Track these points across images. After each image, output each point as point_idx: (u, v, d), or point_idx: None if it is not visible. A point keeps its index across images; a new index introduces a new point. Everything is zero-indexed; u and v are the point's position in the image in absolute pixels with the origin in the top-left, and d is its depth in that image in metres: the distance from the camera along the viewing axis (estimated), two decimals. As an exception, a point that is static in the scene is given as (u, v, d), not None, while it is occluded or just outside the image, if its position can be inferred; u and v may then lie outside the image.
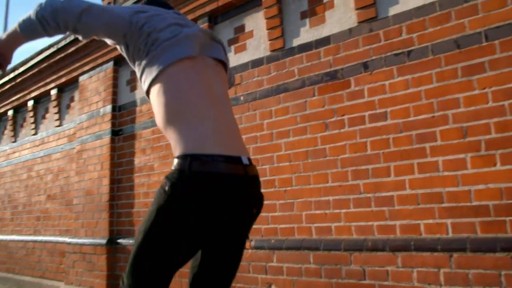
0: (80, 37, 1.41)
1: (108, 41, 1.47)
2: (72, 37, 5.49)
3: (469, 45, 2.74)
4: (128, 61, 1.48)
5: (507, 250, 2.46)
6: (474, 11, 2.74)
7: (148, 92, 1.42)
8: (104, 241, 4.79)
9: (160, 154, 4.53)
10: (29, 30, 1.35)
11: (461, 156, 2.69)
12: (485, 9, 2.70)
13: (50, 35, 1.37)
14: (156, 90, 1.37)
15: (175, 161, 1.30)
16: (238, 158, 1.34)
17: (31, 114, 6.76)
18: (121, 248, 4.71)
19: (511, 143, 2.54)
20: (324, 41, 3.42)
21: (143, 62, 1.38)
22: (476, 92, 2.68)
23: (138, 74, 1.44)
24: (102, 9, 1.36)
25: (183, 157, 1.28)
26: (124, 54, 1.47)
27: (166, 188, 1.25)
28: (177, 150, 1.32)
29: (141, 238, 1.27)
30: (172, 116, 1.33)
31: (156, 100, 1.37)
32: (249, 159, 1.41)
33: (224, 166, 1.28)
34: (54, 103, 6.27)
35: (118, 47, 1.49)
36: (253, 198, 1.40)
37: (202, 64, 1.43)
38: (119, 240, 4.74)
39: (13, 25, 1.39)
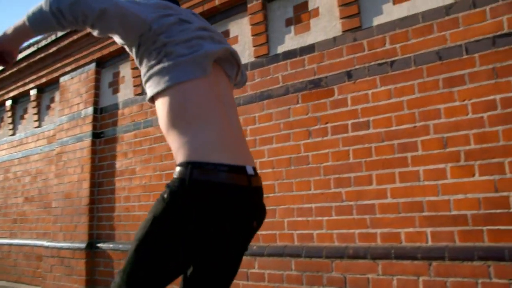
0: (94, 33, 1.32)
1: (117, 39, 1.38)
2: (53, 37, 5.40)
3: (450, 57, 2.79)
4: (134, 58, 1.41)
5: (484, 259, 2.51)
6: (455, 24, 2.80)
7: (152, 99, 1.37)
8: (83, 245, 4.71)
9: (142, 158, 4.49)
10: (40, 23, 1.22)
11: (441, 166, 2.74)
12: (466, 23, 2.76)
13: (64, 29, 1.26)
14: (161, 98, 1.32)
15: (177, 169, 1.25)
16: (242, 167, 1.29)
17: (9, 114, 6.61)
18: (100, 253, 4.64)
19: (489, 154, 2.60)
20: (308, 49, 3.44)
21: (152, 70, 1.32)
22: (457, 103, 2.73)
23: (143, 78, 1.38)
24: (125, 8, 1.26)
25: (184, 165, 1.23)
26: (133, 53, 1.39)
27: (165, 195, 1.20)
28: (179, 156, 1.27)
29: (135, 245, 1.22)
30: (177, 120, 1.29)
31: (161, 105, 1.32)
32: (254, 169, 1.36)
33: (226, 176, 1.23)
34: (34, 103, 6.15)
35: (127, 47, 1.41)
36: (255, 210, 1.35)
37: (214, 75, 1.39)
38: (98, 245, 4.67)
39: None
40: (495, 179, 2.57)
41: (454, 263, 2.60)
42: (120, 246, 4.43)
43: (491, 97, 2.62)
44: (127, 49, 1.43)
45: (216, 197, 1.21)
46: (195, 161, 1.22)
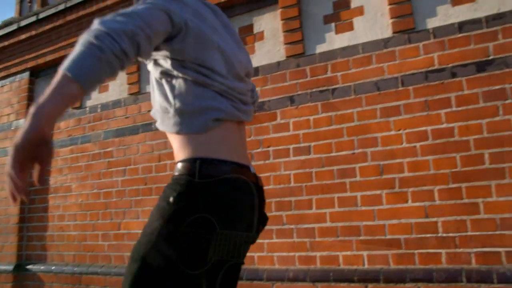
0: (141, 58, 1.14)
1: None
2: (-18, 42, 5.06)
3: (387, 88, 2.93)
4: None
5: (415, 281, 2.64)
6: (392, 57, 2.94)
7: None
8: (10, 267, 4.41)
9: (78, 175, 4.29)
10: (99, 76, 0.95)
11: (378, 192, 2.86)
12: (402, 57, 2.91)
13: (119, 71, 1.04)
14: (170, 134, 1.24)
15: (179, 165, 1.14)
16: (247, 166, 1.23)
17: None
18: (30, 275, 4.36)
19: (421, 181, 2.75)
20: (253, 71, 3.46)
21: (159, 91, 1.21)
22: (392, 132, 2.87)
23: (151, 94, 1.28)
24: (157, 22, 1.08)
25: (190, 161, 1.13)
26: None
27: (171, 199, 1.06)
28: (182, 153, 1.17)
29: (137, 267, 1.03)
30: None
31: (171, 136, 1.24)
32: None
33: (236, 171, 1.16)
34: (-42, 111, 5.70)
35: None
36: (262, 211, 1.26)
37: None
38: (28, 266, 4.38)
39: None
40: (426, 205, 2.72)
41: (389, 286, 2.71)
42: (53, 267, 4.19)
43: (423, 128, 2.78)
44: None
45: (227, 192, 1.12)
46: (204, 157, 1.14)
